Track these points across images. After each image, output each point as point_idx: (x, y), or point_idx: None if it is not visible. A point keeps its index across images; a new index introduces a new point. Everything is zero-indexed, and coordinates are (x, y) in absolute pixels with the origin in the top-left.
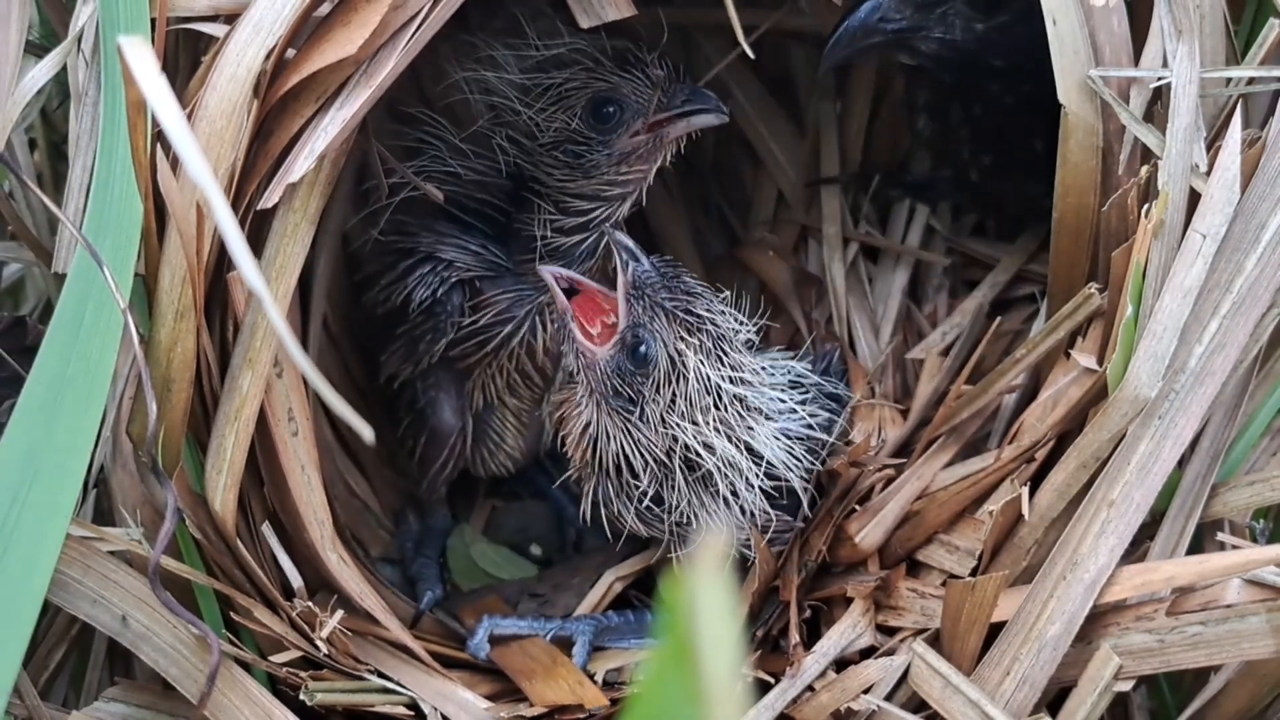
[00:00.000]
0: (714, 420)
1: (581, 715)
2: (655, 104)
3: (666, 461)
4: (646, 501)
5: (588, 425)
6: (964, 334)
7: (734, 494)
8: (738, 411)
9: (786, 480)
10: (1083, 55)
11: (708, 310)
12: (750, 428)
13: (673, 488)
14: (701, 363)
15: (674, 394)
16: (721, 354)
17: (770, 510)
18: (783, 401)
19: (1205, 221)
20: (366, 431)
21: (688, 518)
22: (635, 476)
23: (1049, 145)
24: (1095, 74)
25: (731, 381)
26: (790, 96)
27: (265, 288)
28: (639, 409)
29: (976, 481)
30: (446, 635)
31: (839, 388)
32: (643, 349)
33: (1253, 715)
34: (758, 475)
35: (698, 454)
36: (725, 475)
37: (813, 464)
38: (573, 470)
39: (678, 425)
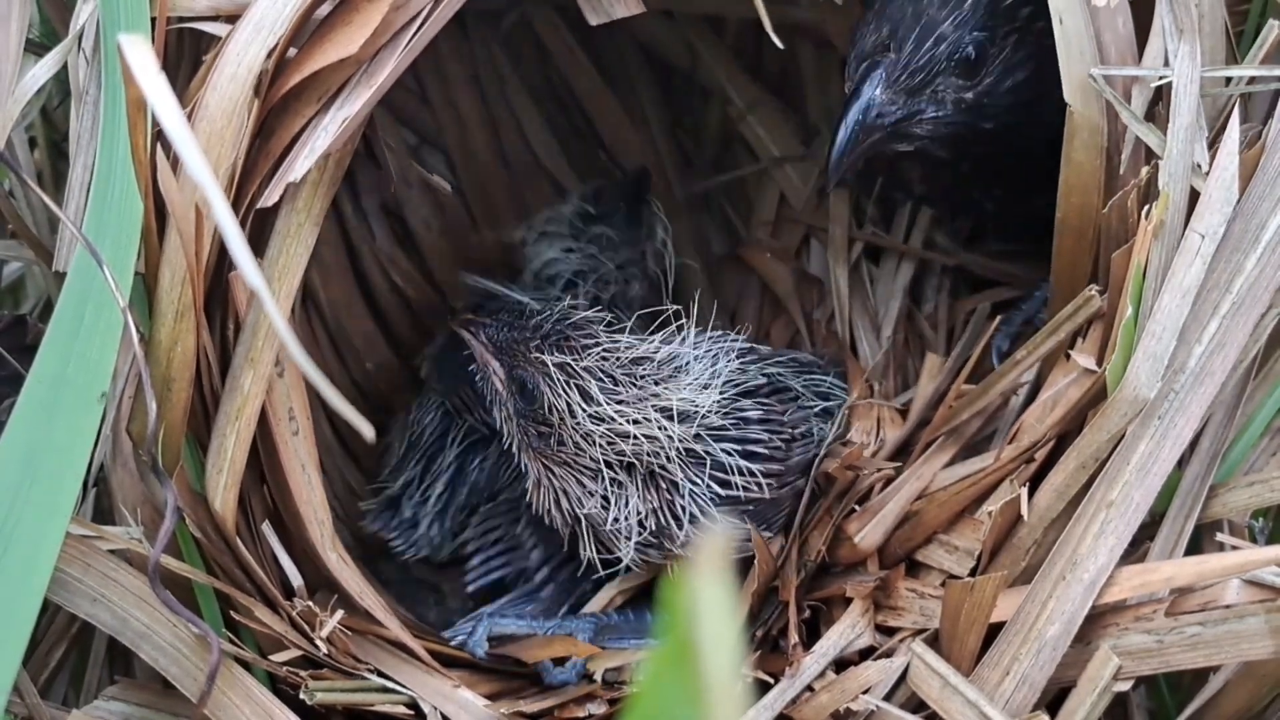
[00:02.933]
0: (625, 410)
1: (581, 715)
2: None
3: (613, 468)
4: (636, 534)
5: (538, 481)
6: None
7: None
8: (652, 406)
9: (741, 486)
10: (1088, 55)
11: (583, 329)
12: (664, 424)
13: (634, 494)
14: (588, 370)
15: (575, 405)
16: (614, 365)
17: (717, 511)
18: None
19: (1204, 222)
20: (367, 430)
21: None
22: (582, 496)
23: (1050, 200)
24: (1097, 73)
25: (632, 379)
26: (791, 92)
27: (266, 288)
28: (555, 436)
29: (976, 482)
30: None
31: (832, 390)
32: (529, 386)
33: (1252, 715)
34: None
35: (621, 443)
36: (650, 453)
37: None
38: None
39: (595, 426)
